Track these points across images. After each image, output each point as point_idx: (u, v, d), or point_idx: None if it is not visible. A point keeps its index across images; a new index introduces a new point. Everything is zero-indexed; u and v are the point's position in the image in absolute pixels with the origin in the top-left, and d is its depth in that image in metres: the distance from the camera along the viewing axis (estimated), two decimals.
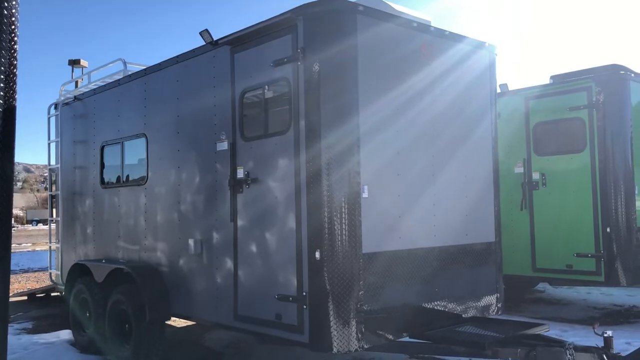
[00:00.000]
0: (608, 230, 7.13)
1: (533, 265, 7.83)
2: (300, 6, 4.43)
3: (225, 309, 5.03)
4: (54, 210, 8.09)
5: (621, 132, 7.32)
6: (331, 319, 4.21)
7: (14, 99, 3.05)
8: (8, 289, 3.21)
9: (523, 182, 7.96)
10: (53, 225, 8.06)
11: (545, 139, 7.87)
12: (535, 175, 7.89)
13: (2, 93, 2.89)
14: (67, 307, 7.06)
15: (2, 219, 2.93)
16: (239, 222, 4.97)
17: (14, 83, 3.02)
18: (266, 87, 4.78)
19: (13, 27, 2.93)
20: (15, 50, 3.01)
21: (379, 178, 4.55)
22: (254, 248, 4.82)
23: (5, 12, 2.86)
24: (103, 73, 7.47)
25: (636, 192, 7.32)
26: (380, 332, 4.46)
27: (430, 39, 5.04)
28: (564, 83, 7.73)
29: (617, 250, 7.09)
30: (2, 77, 2.89)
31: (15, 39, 3.00)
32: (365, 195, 4.40)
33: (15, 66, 3.01)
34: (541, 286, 9.89)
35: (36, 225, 65.67)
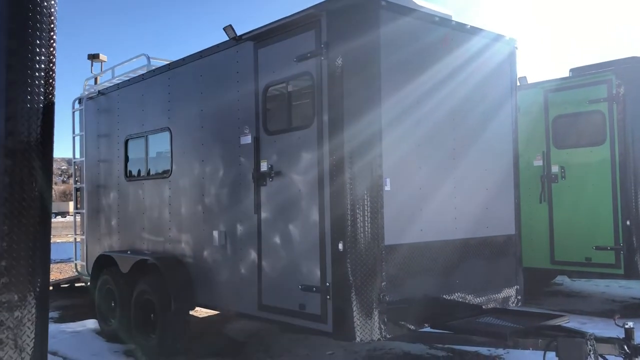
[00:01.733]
0: (628, 223, 7.13)
1: (552, 258, 7.85)
2: (324, 2, 4.50)
3: (249, 299, 5.14)
4: (78, 202, 8.28)
5: None
6: (354, 309, 4.30)
7: (53, 95, 3.18)
8: (49, 278, 3.35)
9: (542, 175, 7.97)
10: (78, 218, 8.24)
11: (564, 132, 7.87)
12: (555, 168, 7.90)
13: (42, 90, 3.02)
14: (93, 297, 7.24)
15: (45, 212, 3.07)
16: (263, 214, 5.07)
17: (53, 80, 3.14)
18: (289, 82, 4.87)
19: (52, 25, 3.05)
20: (54, 49, 3.13)
21: (401, 170, 4.62)
22: (277, 239, 4.92)
23: (45, 10, 2.98)
24: (126, 68, 7.61)
25: None
26: (402, 322, 4.55)
27: (451, 33, 5.09)
28: (583, 76, 7.72)
29: (637, 243, 7.09)
30: (42, 74, 3.02)
31: (54, 37, 3.12)
32: (387, 188, 4.48)
33: (54, 63, 3.14)
34: (559, 279, 9.89)
35: (55, 217, 66.55)
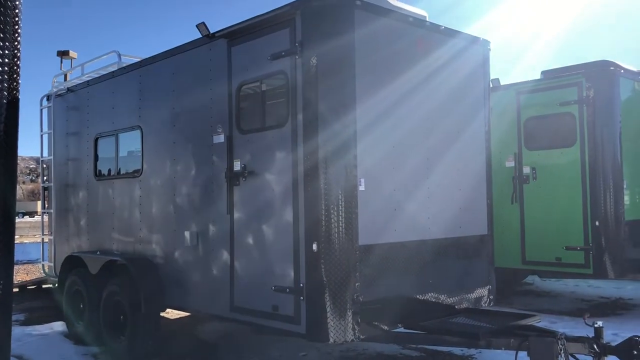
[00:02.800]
0: (597, 223, 7.25)
1: (523, 258, 7.94)
2: (299, 0, 4.46)
3: (222, 300, 5.07)
4: (46, 202, 8.08)
5: (610, 127, 7.42)
6: (328, 310, 4.27)
7: (17, 91, 3.06)
8: (12, 279, 3.23)
9: (514, 176, 8.06)
10: (46, 217, 8.04)
11: (536, 133, 7.97)
12: (526, 169, 7.99)
13: (5, 85, 2.90)
14: (60, 299, 7.07)
15: (7, 210, 2.95)
16: (236, 215, 5.00)
17: (18, 75, 3.03)
18: (263, 80, 4.81)
19: (17, 19, 2.94)
20: (18, 42, 3.01)
21: (376, 171, 4.61)
22: (250, 240, 4.86)
23: (9, 3, 2.87)
24: (96, 65, 7.45)
25: (625, 186, 7.45)
26: (376, 323, 4.53)
27: (426, 34, 5.10)
28: (554, 78, 7.82)
29: (606, 243, 7.22)
30: (5, 69, 2.90)
31: (19, 31, 3.00)
32: (362, 188, 4.46)
33: (18, 58, 3.02)
34: (530, 278, 10.03)
35: (22, 217, 65.04)
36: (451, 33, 5.33)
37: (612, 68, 7.50)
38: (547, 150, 7.81)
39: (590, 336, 4.16)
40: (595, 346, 4.08)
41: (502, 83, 8.38)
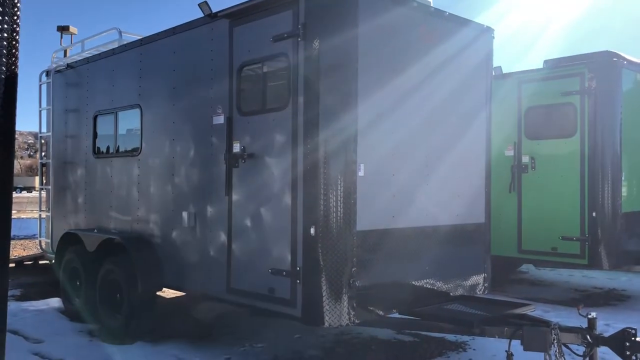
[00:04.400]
0: (594, 214, 7.27)
1: (519, 247, 7.98)
2: None
3: (218, 281, 5.09)
4: (44, 178, 8.06)
5: (611, 119, 7.41)
6: (323, 293, 4.29)
7: (16, 66, 3.03)
8: (8, 254, 3.23)
9: (513, 165, 8.06)
10: (43, 193, 8.02)
11: (536, 123, 7.95)
12: (525, 159, 7.99)
13: (4, 60, 2.87)
14: (57, 275, 7.09)
15: (4, 186, 2.95)
16: (234, 197, 5.00)
17: (17, 50, 2.99)
18: (265, 62, 4.77)
19: None
20: (17, 17, 2.98)
21: (375, 157, 4.60)
22: (248, 222, 4.86)
23: None
24: (97, 42, 7.39)
25: (623, 178, 7.45)
26: (371, 308, 4.56)
27: (430, 20, 5.05)
28: (557, 68, 7.78)
29: (602, 234, 7.25)
30: (4, 43, 2.87)
31: (18, 5, 2.96)
32: (361, 173, 4.45)
33: (17, 33, 2.98)
34: (525, 267, 10.09)
35: (20, 192, 65.03)
36: (455, 19, 5.28)
37: (615, 59, 7.46)
38: (547, 140, 7.80)
39: (584, 327, 4.19)
40: (588, 337, 4.11)
41: (505, 72, 8.34)
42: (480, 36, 5.56)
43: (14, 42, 2.96)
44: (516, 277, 9.71)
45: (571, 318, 5.06)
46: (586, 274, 9.98)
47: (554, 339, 4.03)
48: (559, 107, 7.71)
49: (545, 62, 8.10)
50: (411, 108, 4.91)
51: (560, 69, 7.72)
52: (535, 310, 5.08)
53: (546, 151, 7.81)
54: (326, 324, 4.29)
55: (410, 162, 4.92)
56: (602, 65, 7.42)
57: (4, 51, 2.88)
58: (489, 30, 5.64)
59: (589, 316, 4.17)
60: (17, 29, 3.00)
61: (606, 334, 4.24)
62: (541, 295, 8.24)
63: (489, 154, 5.68)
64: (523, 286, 9.05)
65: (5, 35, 2.88)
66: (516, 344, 4.27)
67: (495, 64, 6.13)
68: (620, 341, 4.04)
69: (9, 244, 3.23)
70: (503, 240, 7.92)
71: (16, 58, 3.02)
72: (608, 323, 6.33)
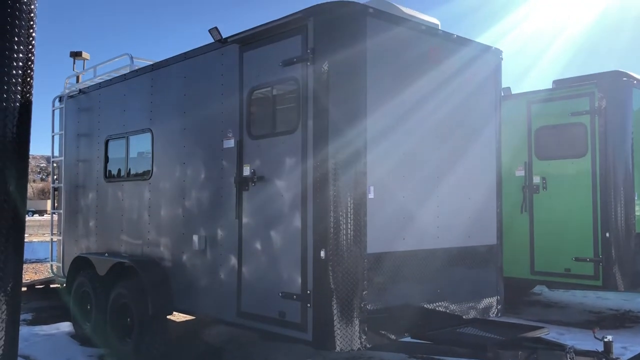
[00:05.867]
0: (607, 235, 7.19)
1: (532, 268, 7.89)
2: (311, 7, 4.47)
3: (229, 305, 5.07)
4: (56, 202, 8.12)
5: (622, 138, 7.37)
6: (335, 317, 4.26)
7: (31, 94, 3.08)
8: (21, 278, 3.24)
9: (524, 185, 8.02)
10: (55, 217, 8.07)
11: (546, 143, 7.92)
12: (536, 179, 7.95)
13: (19, 89, 2.92)
14: (68, 299, 7.09)
15: (18, 210, 2.97)
16: (244, 220, 5.00)
17: (31, 78, 3.04)
18: (275, 86, 4.82)
19: (31, 22, 2.96)
20: (32, 46, 3.03)
21: (385, 179, 4.60)
22: (258, 245, 4.86)
23: (24, 7, 2.89)
24: (108, 67, 7.49)
25: (636, 198, 7.39)
26: (383, 332, 4.51)
27: (438, 43, 5.08)
28: (566, 88, 7.78)
29: (616, 255, 7.16)
30: (19, 72, 2.92)
31: (34, 34, 3.02)
32: (371, 196, 4.45)
33: (32, 62, 3.04)
34: (538, 288, 9.96)
35: (32, 215, 65.47)
36: (464, 42, 5.31)
37: (625, 79, 7.45)
38: (558, 160, 7.77)
39: (600, 350, 4.11)
40: None
41: (513, 92, 8.35)
42: (488, 57, 5.58)
43: (28, 71, 3.01)
44: (529, 299, 9.59)
45: (586, 341, 4.97)
46: (600, 295, 9.83)
47: None
48: (569, 127, 7.69)
49: (555, 82, 8.11)
50: (421, 131, 4.92)
51: (570, 89, 7.72)
52: (550, 333, 5.00)
53: (557, 171, 7.77)
54: (338, 349, 4.25)
55: (421, 184, 4.90)
56: (612, 85, 7.41)
57: (19, 79, 2.93)
58: (497, 52, 5.66)
59: (605, 339, 4.10)
60: (32, 57, 3.05)
61: (623, 358, 4.16)
62: (555, 317, 8.12)
63: (499, 174, 5.66)
64: (536, 308, 8.93)
65: (21, 64, 2.93)
66: None
67: (503, 84, 6.13)
68: None
69: (22, 268, 3.25)
70: (515, 262, 7.84)
71: (31, 86, 3.07)
72: (625, 346, 6.22)
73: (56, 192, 8.15)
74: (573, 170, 7.61)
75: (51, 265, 8.22)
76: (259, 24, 4.91)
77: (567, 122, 7.68)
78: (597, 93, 7.42)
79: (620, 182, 7.29)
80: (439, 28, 5.27)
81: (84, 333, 6.75)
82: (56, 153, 8.01)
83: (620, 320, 8.12)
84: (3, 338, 2.99)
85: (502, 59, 5.74)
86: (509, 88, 8.30)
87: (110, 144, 6.94)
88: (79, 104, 7.58)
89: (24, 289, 10.23)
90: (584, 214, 7.42)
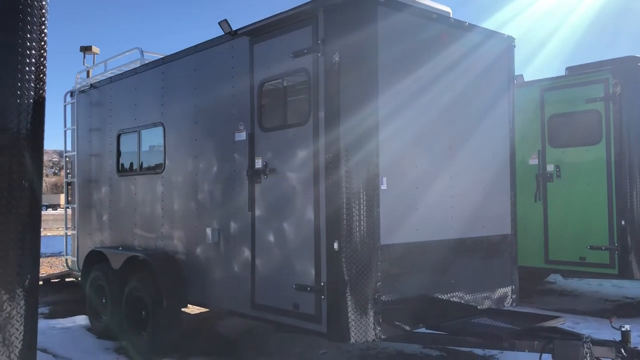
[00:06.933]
0: (623, 223, 7.12)
1: (546, 257, 7.84)
2: None
3: (243, 297, 5.08)
4: (70, 196, 8.18)
5: (637, 125, 7.27)
6: (349, 309, 4.26)
7: (44, 90, 3.09)
8: (38, 272, 3.28)
9: (537, 173, 7.95)
10: (69, 211, 8.14)
11: (560, 130, 7.84)
12: (550, 167, 7.87)
13: (32, 85, 2.93)
14: (83, 293, 7.16)
15: (34, 204, 2.99)
16: (257, 212, 5.00)
17: (44, 75, 3.06)
18: (285, 78, 4.80)
19: (43, 19, 2.96)
20: (45, 42, 3.04)
21: (397, 170, 4.57)
22: (271, 237, 4.86)
23: (36, 4, 2.89)
24: (119, 62, 7.51)
25: None
26: (397, 323, 4.50)
27: (450, 30, 5.03)
28: (580, 75, 7.68)
29: (632, 243, 7.09)
30: (32, 69, 2.93)
31: (45, 31, 3.03)
32: (384, 187, 4.42)
33: (45, 58, 3.05)
34: (552, 277, 9.90)
35: (45, 210, 66.11)
36: (474, 29, 5.25)
37: (639, 64, 7.34)
38: (572, 147, 7.69)
39: (617, 340, 4.08)
40: (622, 350, 4.00)
41: (525, 79, 8.26)
42: (500, 45, 5.51)
43: (41, 67, 3.02)
44: (544, 288, 9.54)
45: (603, 330, 4.95)
46: (616, 284, 9.75)
47: (586, 353, 3.94)
48: (583, 114, 7.60)
49: (568, 68, 8.01)
50: (433, 120, 4.88)
51: (584, 75, 7.63)
52: (565, 323, 4.97)
53: (571, 159, 7.69)
54: (352, 340, 4.25)
55: (434, 174, 4.87)
56: (627, 71, 7.30)
57: (33, 76, 2.94)
58: (509, 39, 5.59)
59: (623, 328, 4.06)
60: (45, 54, 3.06)
61: None
62: (570, 307, 8.07)
63: (513, 163, 5.61)
64: (551, 297, 8.88)
65: (34, 60, 2.94)
66: (547, 358, 4.18)
67: (516, 72, 6.06)
68: None
69: (39, 264, 3.27)
70: (529, 251, 7.80)
71: (44, 82, 3.08)
72: None
73: (69, 187, 8.20)
74: (587, 158, 7.53)
75: (66, 259, 8.30)
76: (268, 16, 4.89)
77: (581, 109, 7.59)
78: (611, 79, 7.32)
79: (636, 169, 7.20)
80: (451, 16, 5.21)
81: (100, 326, 6.81)
82: (68, 148, 8.06)
83: (637, 309, 8.04)
84: (23, 332, 3.03)
85: (514, 46, 5.67)
86: (521, 75, 8.21)
87: (122, 138, 6.96)
88: (91, 98, 7.61)
89: (40, 282, 10.35)
90: (598, 202, 7.35)
